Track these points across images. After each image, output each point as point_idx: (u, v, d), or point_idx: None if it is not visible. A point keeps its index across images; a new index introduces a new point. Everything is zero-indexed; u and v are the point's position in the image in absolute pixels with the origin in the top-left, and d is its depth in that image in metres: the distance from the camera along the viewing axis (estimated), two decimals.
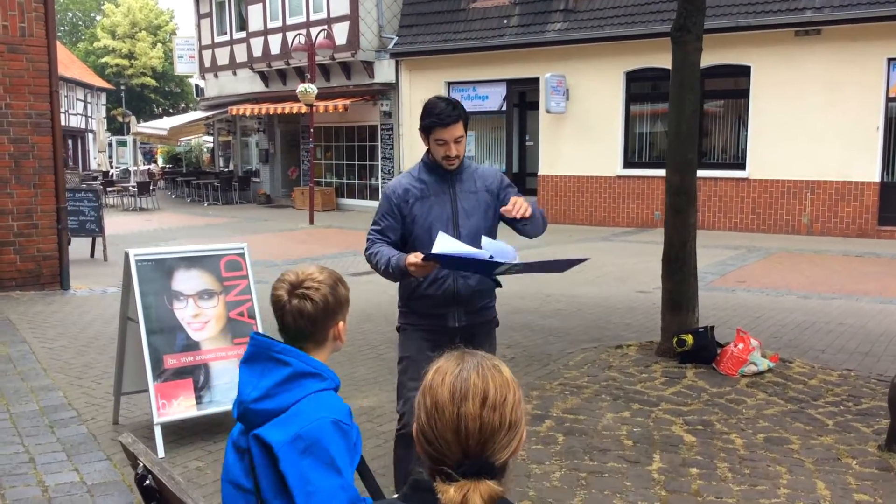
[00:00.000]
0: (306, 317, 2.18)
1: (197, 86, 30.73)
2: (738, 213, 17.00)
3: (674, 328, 6.58)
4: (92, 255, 14.03)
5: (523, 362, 6.67)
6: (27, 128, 9.80)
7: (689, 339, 6.33)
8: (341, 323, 2.26)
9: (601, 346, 7.16)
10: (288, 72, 23.73)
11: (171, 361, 4.73)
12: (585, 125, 18.68)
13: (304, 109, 20.55)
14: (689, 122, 6.57)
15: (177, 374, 4.73)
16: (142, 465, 2.23)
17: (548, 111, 18.86)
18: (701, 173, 16.71)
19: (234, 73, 26.42)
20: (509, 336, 7.67)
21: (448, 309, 3.58)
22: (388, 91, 21.79)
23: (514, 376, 1.51)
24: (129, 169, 33.72)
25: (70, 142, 48.50)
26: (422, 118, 3.53)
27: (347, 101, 21.51)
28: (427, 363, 3.65)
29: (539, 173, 19.57)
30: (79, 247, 14.08)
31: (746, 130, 16.83)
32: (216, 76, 27.67)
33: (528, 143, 20.40)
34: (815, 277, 11.51)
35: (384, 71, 21.64)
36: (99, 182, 27.39)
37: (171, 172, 33.57)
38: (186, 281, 4.86)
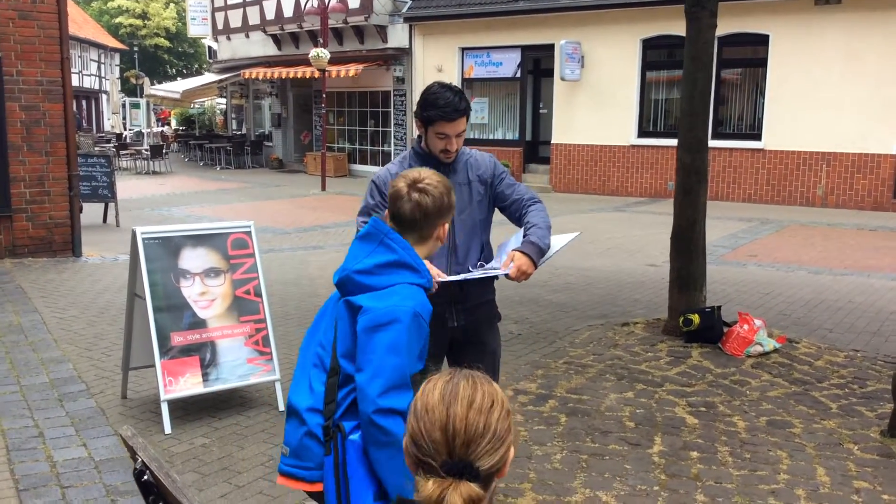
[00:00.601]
0: (423, 209, 2.45)
1: (210, 48, 30.59)
2: (752, 184, 16.87)
3: (681, 307, 6.57)
4: (104, 220, 14.11)
5: (530, 339, 6.69)
6: (38, 95, 9.80)
7: (696, 318, 6.33)
8: (446, 225, 2.54)
9: (608, 324, 7.16)
10: (301, 35, 23.58)
11: (177, 339, 4.77)
12: (600, 93, 18.51)
13: (316, 74, 20.44)
14: (701, 99, 6.50)
15: (183, 352, 4.77)
16: (140, 460, 2.26)
17: (562, 78, 18.69)
18: (716, 143, 16.80)
19: (247, 36, 26.27)
20: (517, 311, 7.70)
21: (445, 308, 3.32)
22: (402, 56, 21.64)
23: (504, 395, 1.55)
24: (143, 131, 33.72)
25: (84, 103, 48.51)
26: (423, 107, 3.28)
27: (360, 67, 21.38)
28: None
29: (552, 142, 19.45)
30: (91, 212, 14.16)
31: (763, 100, 16.63)
32: (229, 38, 27.52)
33: (541, 111, 20.25)
34: (827, 252, 11.44)
35: (397, 35, 21.46)
36: (112, 145, 27.47)
37: (184, 135, 33.56)
38: (193, 259, 4.88)
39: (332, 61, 20.79)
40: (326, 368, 2.40)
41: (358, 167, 24.06)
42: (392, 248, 2.40)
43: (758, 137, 16.69)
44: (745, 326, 6.20)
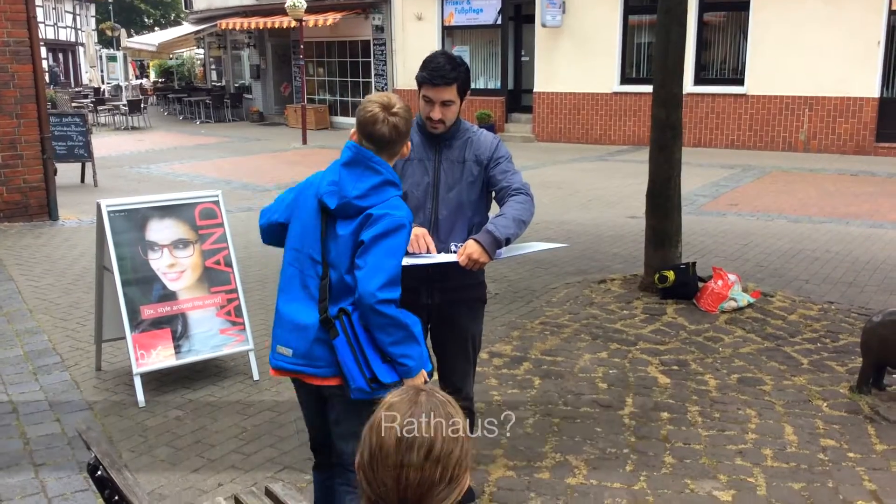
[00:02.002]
0: (398, 130, 2.78)
1: None
2: (735, 129, 16.81)
3: (656, 264, 6.58)
4: (82, 180, 13.94)
5: (507, 299, 6.70)
6: (6, 56, 9.59)
7: (671, 275, 6.34)
8: (409, 143, 2.94)
9: (585, 281, 7.18)
10: None
11: (148, 312, 4.75)
12: (582, 39, 18.29)
13: (293, 24, 20.08)
14: (675, 53, 6.41)
15: (154, 325, 4.75)
16: (93, 455, 2.26)
17: (543, 25, 18.45)
18: (699, 89, 16.72)
19: None
20: (496, 269, 7.68)
21: (419, 284, 3.28)
22: (380, 4, 21.27)
23: (465, 425, 1.48)
24: (121, 85, 33.19)
25: (60, 56, 47.65)
26: (419, 69, 3.25)
27: (338, 15, 21.02)
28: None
29: (534, 90, 19.27)
30: (69, 173, 13.99)
31: (746, 44, 16.48)
32: None
33: (523, 59, 20.01)
34: (807, 199, 11.46)
35: None
36: (90, 100, 27.04)
37: (163, 88, 33.07)
38: (160, 231, 4.83)
39: (310, 10, 20.40)
40: (319, 274, 2.78)
41: (339, 119, 23.79)
42: (377, 170, 2.76)
43: (741, 83, 16.58)
44: (720, 282, 6.22)
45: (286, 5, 19.04)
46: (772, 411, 4.52)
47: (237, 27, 24.36)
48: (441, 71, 3.17)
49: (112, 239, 4.68)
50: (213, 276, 4.97)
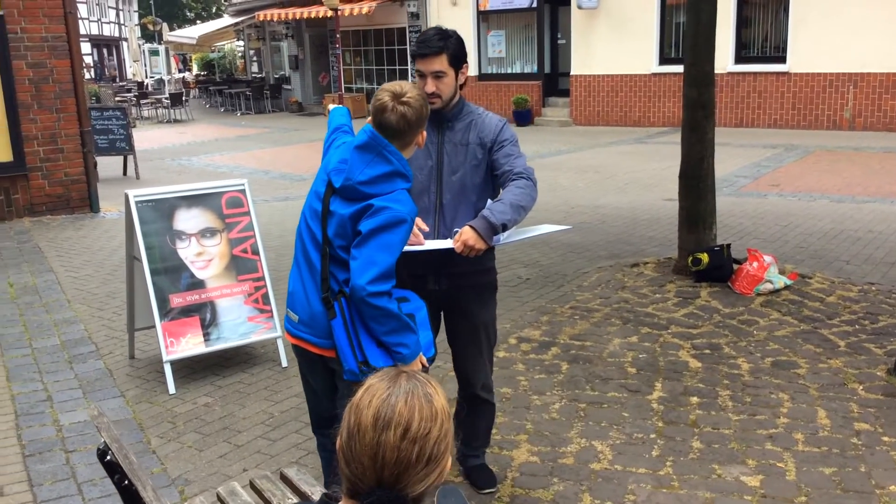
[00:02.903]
0: (407, 119, 2.73)
1: None
2: (778, 108, 16.46)
3: (690, 246, 6.48)
4: (124, 173, 14.17)
5: (538, 283, 6.65)
6: (44, 51, 9.76)
7: (705, 257, 6.24)
8: (423, 133, 2.86)
9: (618, 265, 7.09)
10: None
11: (176, 300, 4.80)
12: (619, 20, 18.04)
13: (329, 13, 20.13)
14: (706, 31, 6.28)
15: (183, 313, 4.81)
16: (103, 440, 2.29)
17: (580, 6, 18.25)
18: (740, 68, 16.41)
19: None
20: (527, 254, 7.64)
21: (426, 270, 3.25)
22: None
23: (447, 406, 1.46)
24: (163, 78, 33.64)
25: (105, 51, 48.44)
26: None
27: (373, 3, 21.01)
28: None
29: (571, 73, 19.07)
30: (112, 166, 14.24)
31: (787, 21, 16.09)
32: None
33: (559, 42, 19.81)
34: (851, 178, 11.18)
35: None
36: (133, 94, 27.47)
37: (205, 81, 33.43)
38: (188, 220, 4.88)
39: None
40: (320, 254, 2.81)
41: None
42: (389, 159, 2.73)
43: (782, 60, 16.20)
44: (755, 264, 6.10)
45: None
46: (805, 395, 4.41)
47: (275, 18, 24.51)
48: (429, 42, 3.13)
49: (140, 229, 4.74)
50: (240, 265, 5.01)
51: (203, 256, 4.90)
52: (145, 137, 20.04)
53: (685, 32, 6.54)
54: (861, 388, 4.48)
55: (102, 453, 2.26)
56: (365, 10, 20.92)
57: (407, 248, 2.96)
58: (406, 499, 1.38)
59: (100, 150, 13.67)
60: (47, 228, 9.40)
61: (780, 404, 4.31)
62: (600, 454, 3.88)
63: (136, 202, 4.75)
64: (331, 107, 3.43)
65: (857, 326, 5.41)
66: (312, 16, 22.45)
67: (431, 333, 2.96)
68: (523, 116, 19.30)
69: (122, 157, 14.32)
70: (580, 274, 6.89)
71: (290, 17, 23.69)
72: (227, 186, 5.05)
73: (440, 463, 1.41)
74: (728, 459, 3.78)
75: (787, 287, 6.09)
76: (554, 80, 20.00)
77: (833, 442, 3.90)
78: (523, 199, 3.05)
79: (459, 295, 3.34)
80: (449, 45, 3.14)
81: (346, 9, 20.61)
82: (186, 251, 4.86)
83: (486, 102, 20.29)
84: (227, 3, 31.09)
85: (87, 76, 37.54)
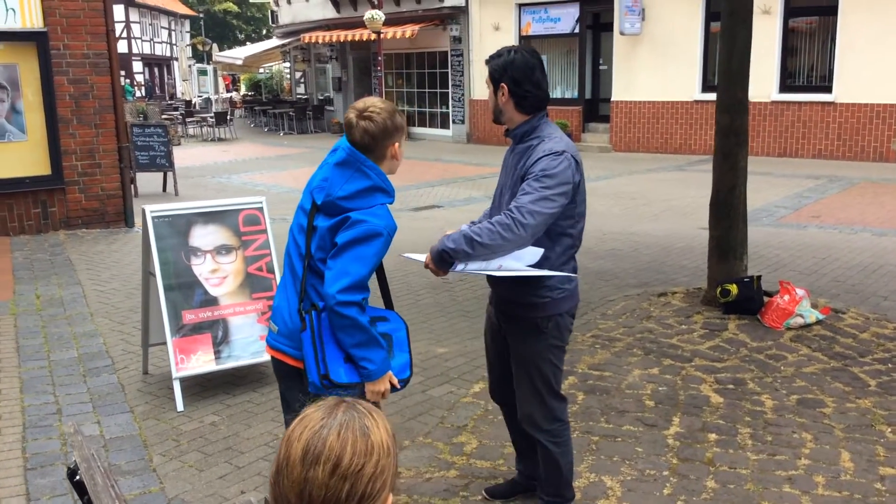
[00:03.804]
0: (370, 134, 2.79)
1: (272, 12, 30.71)
2: (822, 139, 16.11)
3: (720, 276, 6.30)
4: (164, 189, 14.34)
5: None
6: (86, 68, 9.94)
7: (734, 288, 6.05)
8: (397, 144, 2.86)
9: (645, 293, 6.93)
10: None
11: (189, 317, 4.78)
12: (662, 47, 17.89)
13: (373, 37, 20.30)
14: (741, 58, 6.14)
15: (195, 330, 4.78)
16: (73, 459, 2.23)
17: (622, 33, 18.14)
18: (785, 97, 16.12)
19: (307, 0, 26.24)
20: None
21: (490, 285, 3.33)
22: (458, 15, 21.30)
23: (389, 441, 1.35)
24: (210, 98, 34.21)
25: (156, 70, 49.51)
26: None
27: (416, 27, 21.14)
28: (487, 344, 3.46)
29: (612, 99, 18.93)
30: (153, 182, 14.43)
31: (834, 50, 15.79)
32: (289, 2, 27.56)
33: (601, 68, 19.71)
34: (895, 211, 10.85)
35: None
36: (180, 112, 27.95)
37: (251, 101, 33.92)
38: (204, 237, 4.86)
39: (390, 22, 20.58)
40: (303, 266, 2.87)
41: (417, 129, 23.91)
42: (368, 174, 2.79)
43: (828, 90, 15.88)
44: (786, 297, 5.89)
45: (365, 18, 19.26)
46: (830, 436, 4.22)
47: (320, 41, 24.80)
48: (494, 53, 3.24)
49: (156, 244, 4.73)
50: (254, 283, 4.97)
51: (218, 273, 4.87)
52: (189, 155, 20.34)
53: (719, 58, 6.41)
54: (889, 430, 4.27)
55: (72, 473, 2.20)
56: (408, 34, 21.05)
57: (412, 256, 3.29)
58: None
59: (140, 165, 13.89)
60: (81, 242, 9.52)
61: (802, 444, 4.12)
62: (609, 490, 3.73)
63: (153, 217, 4.75)
64: None
65: (889, 365, 5.19)
66: (356, 38, 22.65)
67: (409, 355, 2.99)
68: None
69: (161, 174, 14.52)
70: (605, 302, 6.74)
71: (335, 39, 23.95)
72: (244, 204, 5.03)
73: (375, 502, 1.31)
74: (743, 501, 3.61)
75: (818, 322, 5.88)
76: (594, 105, 19.87)
77: (855, 486, 3.70)
78: (484, 234, 2.94)
79: (505, 324, 3.32)
80: (493, 62, 3.18)
81: (390, 32, 20.76)
82: (201, 267, 4.84)
83: None
84: (274, 26, 31.57)
85: (137, 94, 38.39)
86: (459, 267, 3.04)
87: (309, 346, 2.80)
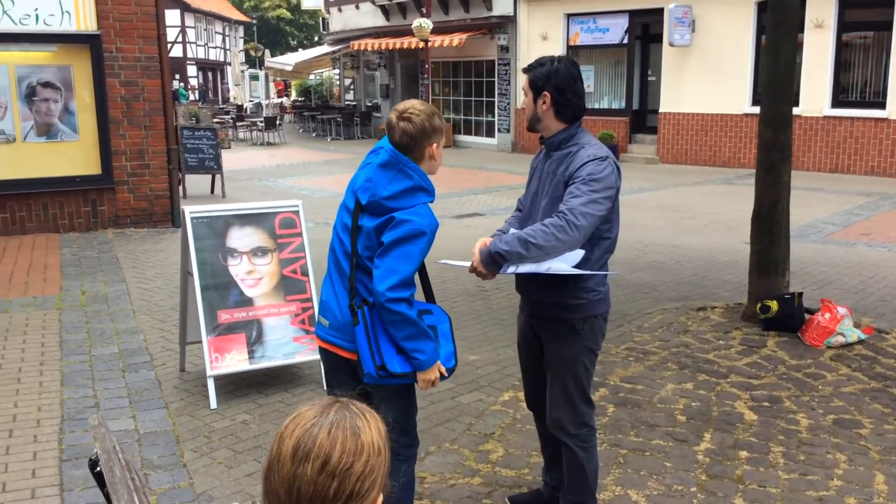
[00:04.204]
0: (408, 134, 2.90)
1: (323, 19, 31.07)
2: (875, 155, 15.76)
3: (760, 292, 6.20)
4: (212, 191, 14.57)
5: None
6: (137, 71, 10.17)
7: (774, 305, 5.95)
8: (435, 145, 2.97)
9: (684, 307, 6.84)
10: (408, 5, 23.59)
11: (224, 317, 4.85)
12: (712, 59, 17.67)
13: (421, 45, 20.41)
14: (785, 71, 6.05)
15: (230, 329, 4.85)
16: (95, 451, 2.28)
17: (671, 44, 17.96)
18: (838, 112, 15.85)
19: (357, 7, 26.50)
20: None
21: (520, 293, 3.39)
22: (506, 24, 21.31)
23: (380, 441, 1.37)
24: (261, 103, 34.70)
25: (210, 75, 50.39)
26: None
27: (464, 36, 21.20)
28: (521, 352, 3.46)
29: (660, 110, 18.76)
30: (201, 183, 14.67)
31: (888, 65, 15.45)
32: (340, 10, 27.85)
33: (650, 79, 19.55)
34: None
35: (502, 3, 21.14)
36: (230, 116, 28.40)
37: (300, 106, 34.33)
38: (241, 238, 4.94)
39: (438, 31, 20.67)
40: (350, 264, 2.99)
41: (462, 138, 23.96)
42: (410, 175, 2.90)
43: (882, 106, 15.53)
44: (827, 315, 5.78)
45: (413, 26, 19.38)
46: (865, 457, 4.12)
47: (369, 48, 25.01)
48: (533, 62, 3.29)
49: (194, 244, 4.82)
50: (289, 285, 5.03)
51: (253, 275, 4.95)
52: (238, 158, 20.65)
53: (763, 72, 6.32)
54: None
55: (93, 464, 2.26)
56: (455, 42, 21.12)
57: (450, 262, 3.44)
58: None
59: (189, 168, 14.14)
60: (128, 240, 9.72)
61: (835, 465, 4.03)
62: None
63: (192, 218, 4.84)
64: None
65: None
66: (405, 46, 22.80)
67: (453, 345, 3.13)
68: None
69: (210, 176, 14.77)
70: (642, 314, 6.68)
71: (384, 47, 24.13)
72: (281, 207, 5.10)
73: (363, 501, 1.32)
74: None
75: (860, 341, 5.75)
76: (642, 116, 19.71)
77: None
78: (538, 236, 2.98)
79: (538, 327, 3.35)
80: (534, 69, 3.23)
81: (437, 40, 20.86)
82: (237, 268, 4.92)
83: None
84: (324, 33, 31.94)
85: (191, 97, 39.08)
86: (511, 269, 3.09)
87: (363, 340, 2.93)
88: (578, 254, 3.07)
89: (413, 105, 2.97)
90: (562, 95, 3.16)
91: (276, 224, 5.03)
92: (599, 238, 3.17)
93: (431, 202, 2.97)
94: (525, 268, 3.08)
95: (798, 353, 5.65)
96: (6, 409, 4.71)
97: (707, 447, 4.26)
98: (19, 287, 7.41)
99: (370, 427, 1.35)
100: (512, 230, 3.22)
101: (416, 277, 3.03)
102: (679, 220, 11.71)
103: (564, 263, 3.06)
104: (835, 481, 3.88)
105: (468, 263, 3.19)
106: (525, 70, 3.29)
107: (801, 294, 6.09)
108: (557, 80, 3.17)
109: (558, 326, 3.26)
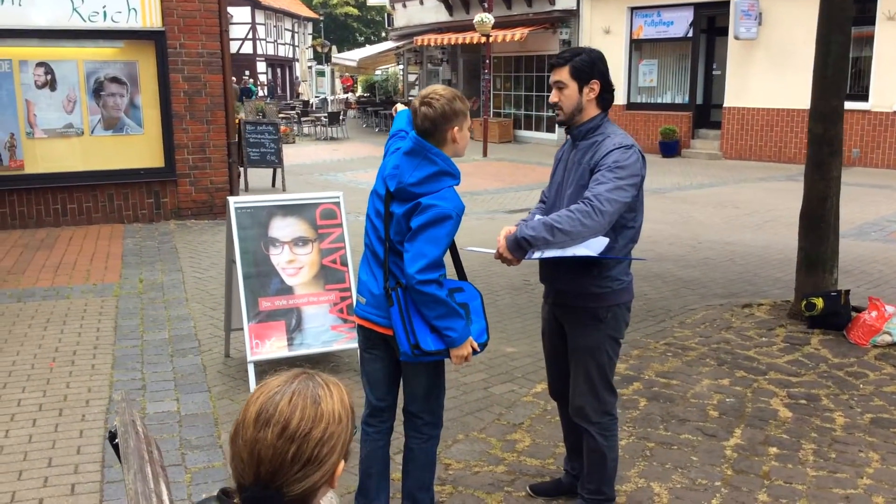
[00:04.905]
0: (429, 119, 3.00)
1: (388, 15, 31.34)
2: None
3: (807, 290, 6.10)
4: (273, 184, 14.88)
5: (638, 317, 6.44)
6: (199, 66, 10.47)
7: (819, 302, 5.85)
8: (456, 129, 3.05)
9: (728, 304, 6.77)
10: (471, 0, 23.63)
11: (265, 304, 5.01)
12: (778, 53, 17.27)
13: (483, 39, 20.45)
14: (836, 65, 5.94)
15: (270, 316, 5.01)
16: (114, 424, 2.42)
17: (737, 37, 17.63)
18: None
19: (421, 3, 26.67)
20: (637, 287, 7.30)
21: (543, 281, 3.44)
22: (569, 18, 21.18)
23: (341, 410, 1.44)
24: (327, 98, 35.18)
25: (279, 71, 51.28)
26: None
27: (525, 31, 21.15)
28: (545, 341, 3.56)
29: (724, 105, 18.42)
30: (264, 177, 15.00)
31: None
32: (404, 6, 28.06)
33: (714, 73, 19.20)
34: None
35: None
36: (296, 112, 28.89)
37: (364, 102, 34.69)
38: (283, 228, 5.08)
39: (500, 25, 20.66)
40: (384, 248, 3.13)
41: (523, 133, 23.91)
42: (434, 160, 3.00)
43: None
44: (874, 313, 5.66)
45: (474, 21, 19.43)
46: None
47: (432, 43, 25.15)
48: (560, 54, 3.31)
49: (237, 234, 4.98)
50: (328, 274, 5.16)
51: (294, 264, 5.09)
52: (301, 153, 21.02)
53: (814, 66, 6.20)
54: None
55: (112, 436, 2.39)
56: (517, 37, 21.08)
57: (476, 248, 3.52)
58: (281, 497, 1.38)
59: (251, 161, 14.46)
60: (188, 232, 10.03)
61: (867, 464, 3.97)
62: (656, 497, 3.71)
63: (236, 208, 5.00)
64: (399, 107, 3.60)
65: None
66: (467, 41, 22.86)
67: (485, 321, 3.25)
68: (670, 148, 18.81)
69: (271, 170, 15.08)
70: (686, 311, 6.63)
71: (446, 42, 24.23)
72: (322, 198, 5.23)
73: (322, 466, 1.40)
74: None
75: None
76: (706, 111, 19.38)
77: None
78: (564, 221, 3.02)
79: (562, 314, 3.40)
80: (574, 58, 3.23)
81: (499, 35, 20.86)
82: (279, 258, 5.06)
83: (632, 132, 19.94)
84: (389, 29, 32.22)
85: (260, 93, 39.87)
86: (536, 255, 3.14)
87: (398, 320, 3.06)
88: (602, 241, 3.10)
89: (435, 90, 3.07)
90: (607, 82, 3.24)
91: (317, 215, 5.16)
92: (624, 227, 3.20)
93: (457, 185, 3.06)
94: (550, 253, 3.12)
95: (841, 351, 5.54)
96: (58, 389, 4.96)
97: (736, 443, 4.23)
98: (81, 275, 7.74)
99: (331, 397, 1.44)
100: (537, 216, 3.27)
101: (449, 256, 3.18)
102: (737, 216, 11.52)
103: (589, 250, 3.10)
104: (864, 480, 3.82)
105: (493, 250, 3.25)
106: (560, 62, 3.26)
107: (847, 292, 5.97)
108: (602, 67, 3.24)
109: (581, 314, 3.30)
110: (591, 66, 3.21)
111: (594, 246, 3.09)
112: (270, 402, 1.41)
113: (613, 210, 3.04)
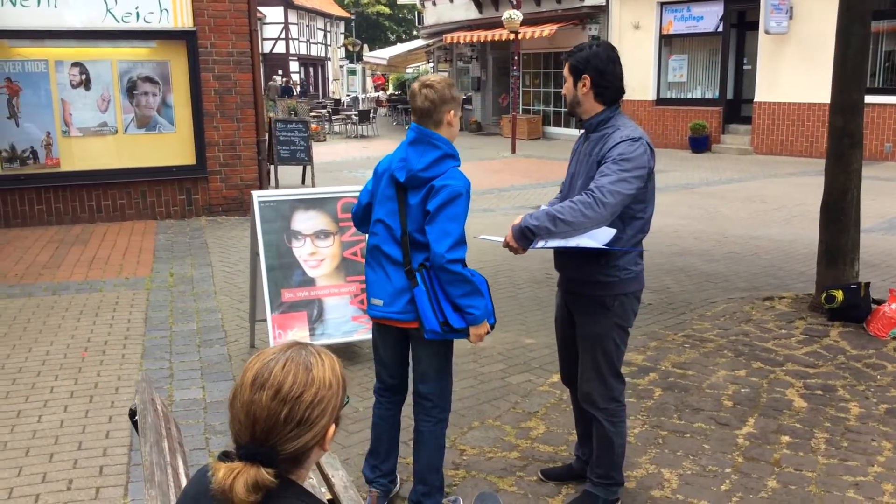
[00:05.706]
0: (430, 99, 3.21)
1: (418, 13, 31.47)
2: None
3: (828, 282, 6.10)
4: (303, 182, 15.06)
5: (658, 309, 6.49)
6: (230, 65, 10.67)
7: (839, 294, 5.85)
8: (451, 112, 3.25)
9: (750, 297, 6.78)
10: None
11: (287, 295, 5.14)
12: (810, 47, 17.09)
13: (511, 36, 20.49)
14: (856, 58, 5.93)
15: (292, 307, 5.14)
16: (135, 402, 2.55)
17: (767, 32, 17.48)
18: None
19: (451, 1, 26.75)
20: (660, 280, 7.47)
21: (557, 269, 3.54)
22: (598, 14, 21.14)
23: (332, 377, 1.56)
24: (358, 97, 35.42)
25: (311, 70, 51.69)
26: None
27: (554, 27, 21.15)
28: (557, 328, 3.68)
29: (755, 100, 18.27)
30: (294, 175, 15.19)
31: None
32: (434, 4, 28.17)
33: (745, 67, 19.06)
34: None
35: None
36: (327, 110, 29.14)
37: (395, 100, 34.88)
38: (305, 221, 5.22)
39: (530, 22, 20.67)
40: (397, 239, 3.27)
41: (552, 129, 23.92)
42: (437, 145, 3.19)
43: None
44: (894, 305, 5.65)
45: (503, 18, 19.47)
46: None
47: (461, 41, 25.23)
48: (570, 49, 3.43)
49: (261, 227, 5.12)
50: (349, 266, 5.28)
51: (315, 256, 5.22)
52: (331, 151, 21.23)
53: (834, 58, 6.20)
54: None
55: (132, 413, 2.53)
56: (546, 33, 21.10)
57: (487, 237, 3.64)
58: (276, 455, 1.49)
59: (282, 159, 14.67)
60: (219, 227, 10.24)
61: (878, 452, 4.00)
62: (665, 482, 3.77)
63: (259, 202, 5.14)
64: None
65: None
66: (496, 38, 22.91)
67: (491, 304, 3.36)
68: (700, 143, 18.72)
69: (301, 167, 15.28)
70: (706, 303, 6.66)
71: (476, 39, 24.30)
72: (343, 192, 5.36)
73: (313, 427, 1.52)
74: (801, 502, 3.56)
75: None
76: (736, 106, 19.24)
77: None
78: (567, 212, 3.10)
79: (571, 302, 3.49)
80: (573, 55, 3.35)
81: (528, 32, 20.88)
82: (301, 250, 5.20)
83: (662, 127, 19.86)
84: (420, 26, 32.36)
85: (294, 92, 40.22)
86: (540, 244, 3.22)
87: (425, 299, 3.19)
88: (609, 232, 3.17)
89: (433, 76, 3.33)
90: (601, 77, 3.27)
91: (338, 208, 5.29)
92: (632, 218, 3.27)
93: (458, 166, 3.24)
94: (553, 243, 3.20)
95: (860, 343, 5.55)
96: (90, 377, 5.14)
97: (749, 431, 4.27)
98: (114, 269, 7.96)
99: (323, 364, 1.56)
100: (542, 206, 3.35)
101: None
102: (765, 211, 11.47)
103: (594, 241, 3.16)
104: (875, 468, 3.85)
105: (503, 238, 3.34)
106: (565, 56, 3.42)
107: (867, 284, 5.96)
108: (597, 63, 3.28)
109: (589, 302, 3.38)
110: (584, 62, 3.28)
111: (600, 237, 3.16)
112: (265, 367, 1.54)
113: (616, 202, 3.10)
